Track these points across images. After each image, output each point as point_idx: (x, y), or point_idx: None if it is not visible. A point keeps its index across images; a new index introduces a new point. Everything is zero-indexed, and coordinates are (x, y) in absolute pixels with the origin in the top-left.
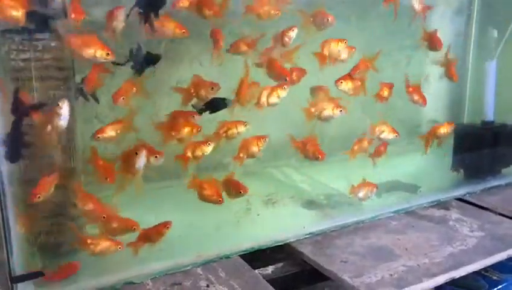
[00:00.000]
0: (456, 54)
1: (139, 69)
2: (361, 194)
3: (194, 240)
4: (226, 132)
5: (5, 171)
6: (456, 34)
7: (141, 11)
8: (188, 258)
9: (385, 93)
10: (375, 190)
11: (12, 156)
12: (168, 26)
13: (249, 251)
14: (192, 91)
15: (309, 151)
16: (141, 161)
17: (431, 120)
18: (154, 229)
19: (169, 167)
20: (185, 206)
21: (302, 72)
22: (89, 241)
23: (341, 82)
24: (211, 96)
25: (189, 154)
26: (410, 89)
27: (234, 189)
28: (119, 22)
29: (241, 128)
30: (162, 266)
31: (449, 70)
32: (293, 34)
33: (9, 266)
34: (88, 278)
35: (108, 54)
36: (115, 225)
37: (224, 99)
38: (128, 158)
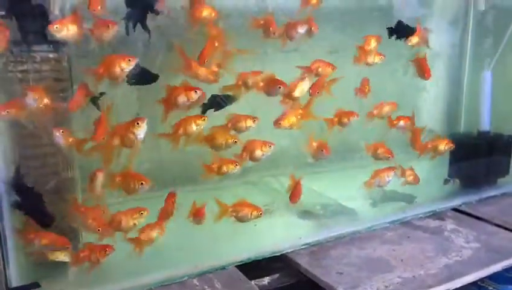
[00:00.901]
0: (452, 64)
1: (134, 84)
2: (381, 181)
3: (191, 251)
4: (234, 124)
5: (1, 183)
6: (452, 44)
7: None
8: (184, 269)
9: (366, 88)
10: (392, 173)
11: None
12: (201, 72)
13: (245, 262)
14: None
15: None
16: (142, 132)
17: (427, 130)
18: (165, 204)
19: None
20: (182, 217)
21: (330, 66)
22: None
23: (279, 123)
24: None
25: (214, 167)
26: (395, 122)
27: (252, 211)
28: (110, 34)
29: (250, 123)
30: (157, 277)
31: (414, 137)
32: (301, 30)
33: (5, 278)
34: None
35: (130, 60)
36: (124, 219)
37: (228, 96)
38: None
